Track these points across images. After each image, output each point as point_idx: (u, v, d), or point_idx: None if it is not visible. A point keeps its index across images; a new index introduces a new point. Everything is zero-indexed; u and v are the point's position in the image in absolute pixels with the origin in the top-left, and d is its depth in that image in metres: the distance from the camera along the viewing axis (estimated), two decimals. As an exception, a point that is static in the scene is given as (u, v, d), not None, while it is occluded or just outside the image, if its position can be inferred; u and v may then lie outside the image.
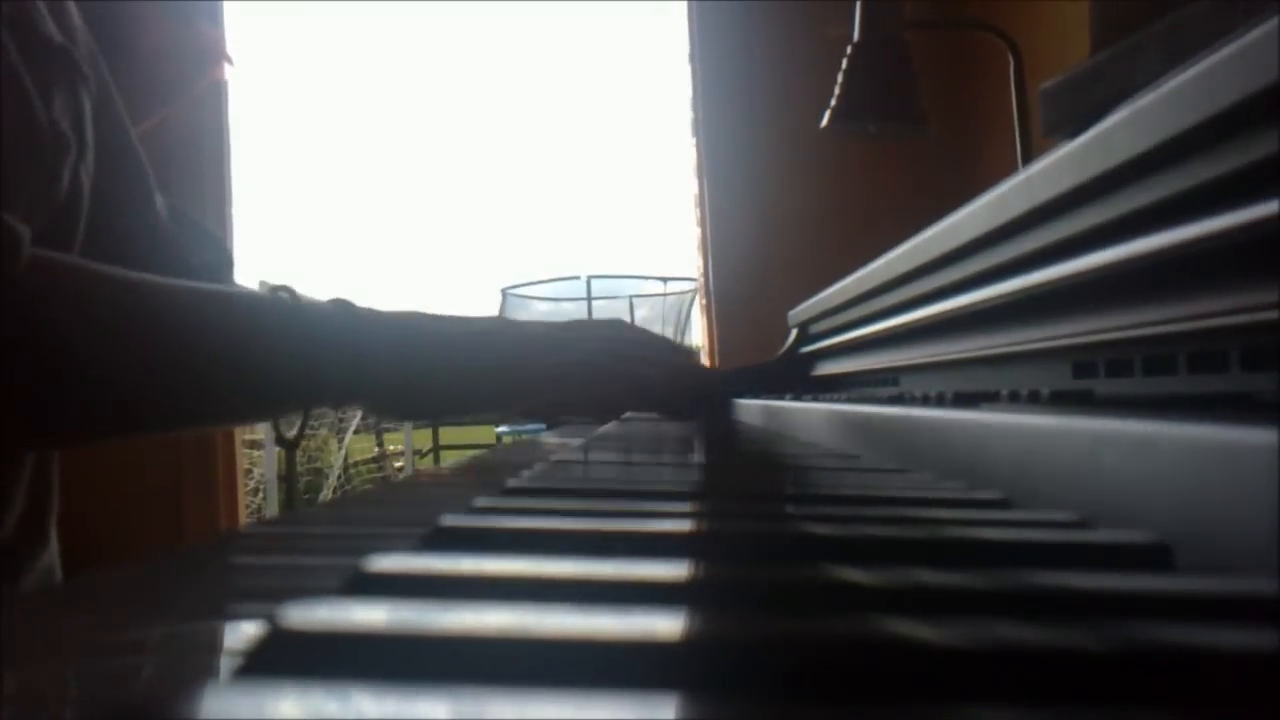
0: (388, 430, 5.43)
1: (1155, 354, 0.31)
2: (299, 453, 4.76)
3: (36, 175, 0.53)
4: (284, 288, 0.56)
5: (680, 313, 3.93)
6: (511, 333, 0.65)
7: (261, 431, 3.97)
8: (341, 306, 0.58)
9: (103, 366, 0.51)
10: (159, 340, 0.53)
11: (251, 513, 3.45)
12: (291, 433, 0.60)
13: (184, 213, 0.77)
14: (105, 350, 0.51)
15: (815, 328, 0.92)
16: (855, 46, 1.34)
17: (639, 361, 0.67)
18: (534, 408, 0.66)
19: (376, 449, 5.51)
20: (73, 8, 0.63)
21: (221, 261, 0.77)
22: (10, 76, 0.51)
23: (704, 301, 2.10)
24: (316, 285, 0.78)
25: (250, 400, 0.58)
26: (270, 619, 0.12)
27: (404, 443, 5.11)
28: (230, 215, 2.02)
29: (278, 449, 4.21)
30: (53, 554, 0.65)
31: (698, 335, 2.28)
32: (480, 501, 0.25)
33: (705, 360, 2.03)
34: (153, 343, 0.52)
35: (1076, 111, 0.55)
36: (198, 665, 0.15)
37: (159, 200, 0.72)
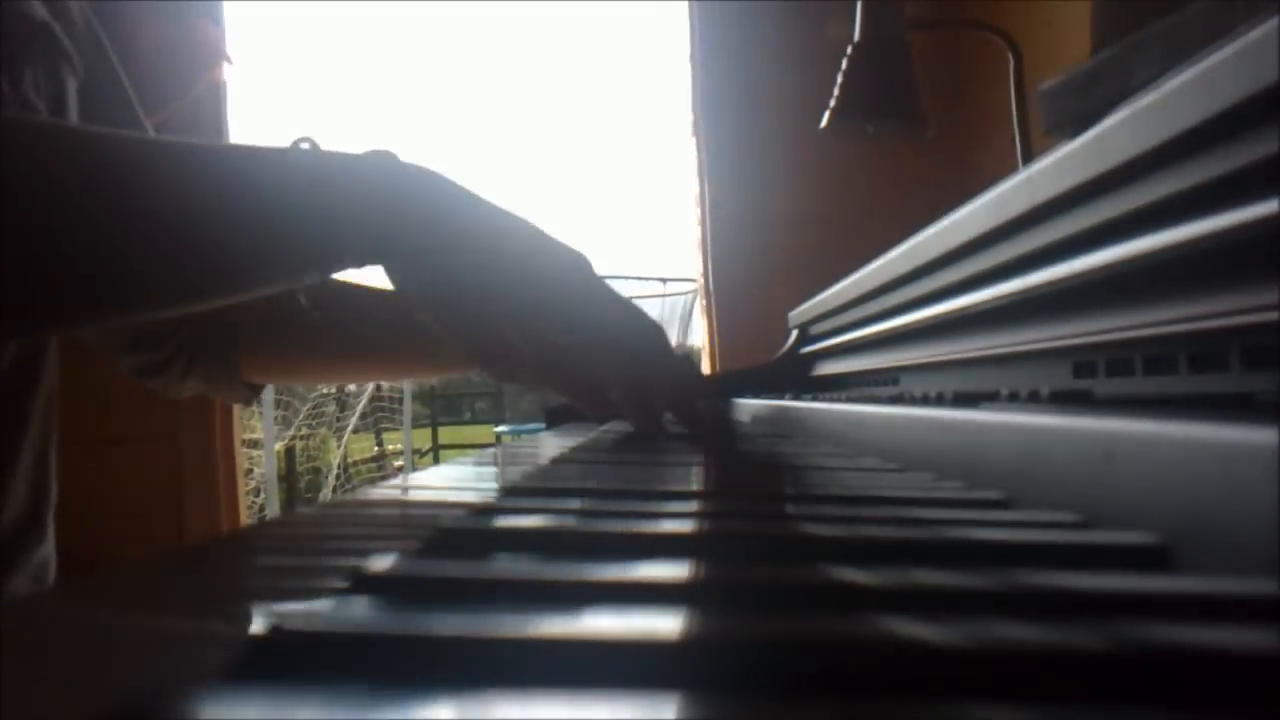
0: (386, 430, 5.43)
1: (1155, 354, 0.31)
2: (299, 452, 4.77)
3: None
4: (305, 138, 0.51)
5: (680, 313, 3.94)
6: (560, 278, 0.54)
7: (261, 431, 3.98)
8: (380, 157, 0.52)
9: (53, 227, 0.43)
10: (133, 194, 0.45)
11: (252, 513, 3.45)
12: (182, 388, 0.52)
13: None
14: (54, 208, 0.43)
15: (816, 329, 0.92)
16: (855, 46, 1.34)
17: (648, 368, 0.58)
18: (514, 369, 0.58)
19: (376, 448, 5.52)
20: (73, 5, 0.63)
21: None
22: None
23: (704, 302, 2.10)
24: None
25: (251, 255, 0.50)
26: (270, 620, 0.12)
27: (403, 442, 5.12)
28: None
29: (277, 449, 4.22)
30: (49, 548, 0.65)
31: (698, 336, 2.28)
32: (480, 502, 0.25)
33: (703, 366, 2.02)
34: (125, 198, 0.45)
35: (1076, 111, 0.55)
36: (198, 665, 0.15)
37: None
